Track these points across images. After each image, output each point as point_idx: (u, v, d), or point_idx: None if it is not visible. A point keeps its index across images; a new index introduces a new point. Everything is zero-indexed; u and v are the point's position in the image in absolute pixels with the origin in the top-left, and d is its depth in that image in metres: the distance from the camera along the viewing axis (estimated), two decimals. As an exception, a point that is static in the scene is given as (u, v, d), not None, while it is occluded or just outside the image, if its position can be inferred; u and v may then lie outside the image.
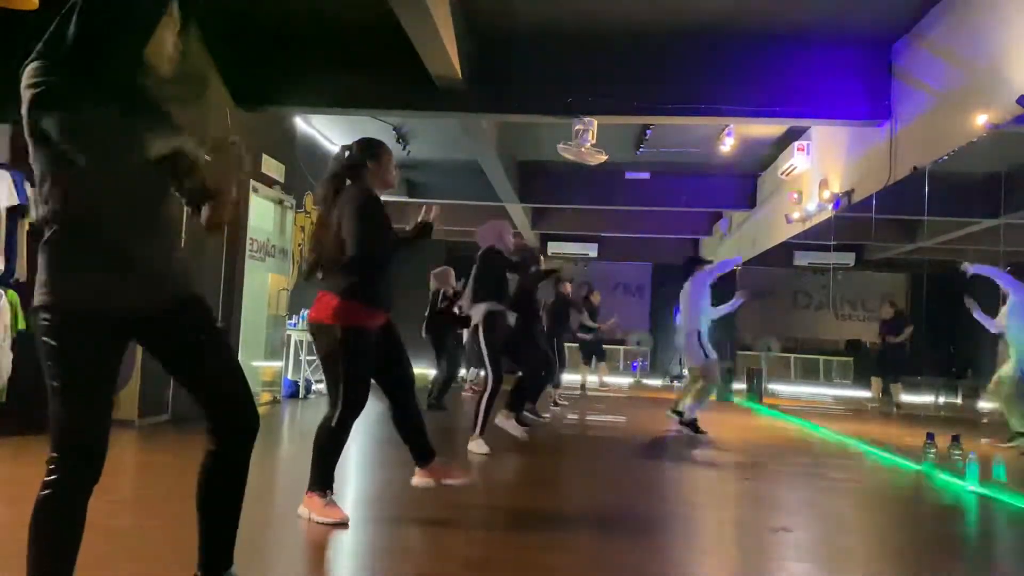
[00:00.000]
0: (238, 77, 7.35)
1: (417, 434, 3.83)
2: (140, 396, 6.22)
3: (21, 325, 5.60)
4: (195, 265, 6.96)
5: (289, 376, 9.41)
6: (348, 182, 3.65)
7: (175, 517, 3.53)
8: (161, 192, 2.05)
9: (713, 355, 7.73)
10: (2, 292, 5.48)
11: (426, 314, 9.35)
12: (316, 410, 8.42)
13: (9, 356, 5.48)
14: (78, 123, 1.82)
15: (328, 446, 3.52)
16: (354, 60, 7.48)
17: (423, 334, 9.19)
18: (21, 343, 5.63)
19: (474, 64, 7.29)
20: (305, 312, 9.62)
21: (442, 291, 9.23)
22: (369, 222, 3.47)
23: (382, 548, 3.39)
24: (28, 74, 1.88)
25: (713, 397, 12.63)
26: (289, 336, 9.42)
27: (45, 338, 1.90)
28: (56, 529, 1.91)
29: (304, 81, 7.41)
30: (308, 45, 7.44)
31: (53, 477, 1.91)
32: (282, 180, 9.03)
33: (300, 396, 9.30)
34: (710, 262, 8.70)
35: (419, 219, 3.70)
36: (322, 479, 3.50)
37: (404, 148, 10.91)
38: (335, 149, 11.38)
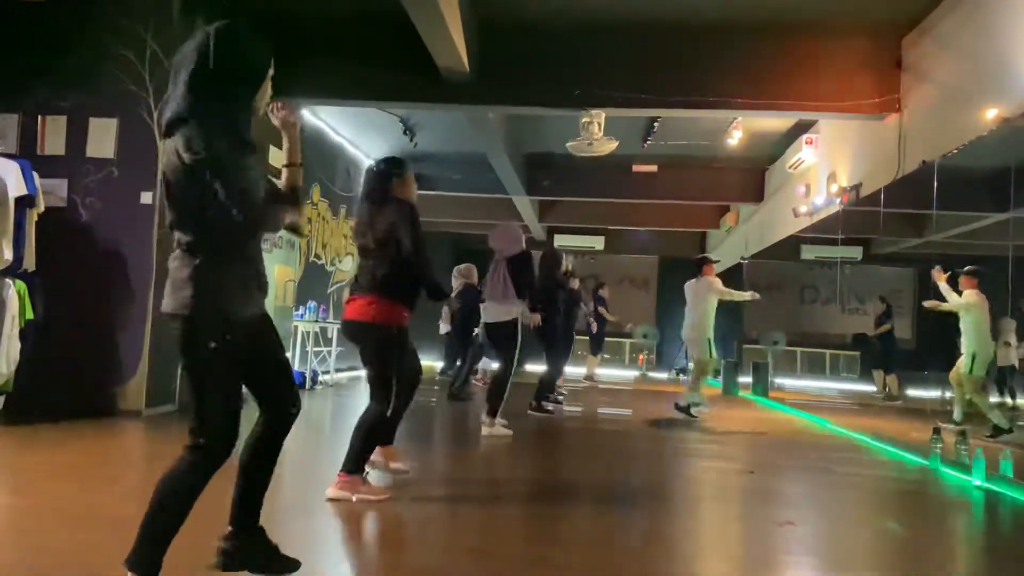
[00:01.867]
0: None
1: (394, 424, 4.20)
2: (147, 387, 6.25)
3: (29, 315, 5.62)
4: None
5: (296, 367, 9.44)
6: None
7: (182, 507, 3.56)
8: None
9: (715, 352, 8.37)
10: (10, 282, 5.50)
11: (451, 308, 9.60)
12: (323, 401, 8.46)
13: (17, 346, 5.51)
14: (241, 187, 2.22)
15: (376, 434, 3.89)
16: (361, 52, 7.48)
17: (448, 329, 9.45)
18: (29, 333, 5.66)
19: (481, 56, 7.28)
20: (312, 304, 9.65)
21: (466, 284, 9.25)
22: (420, 230, 3.87)
23: (381, 538, 3.40)
24: (193, 139, 2.19)
25: (719, 389, 12.73)
26: (296, 327, 9.44)
27: (199, 342, 2.25)
28: (185, 500, 2.26)
29: (311, 73, 7.40)
30: (315, 36, 7.44)
31: (194, 458, 2.28)
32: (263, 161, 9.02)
33: (307, 387, 9.33)
34: (717, 261, 8.98)
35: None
36: (361, 463, 3.83)
37: (411, 140, 10.91)
38: (341, 141, 11.47)
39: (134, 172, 6.36)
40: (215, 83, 2.26)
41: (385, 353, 3.85)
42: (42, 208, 5.92)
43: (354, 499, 3.71)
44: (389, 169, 4.04)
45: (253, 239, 2.40)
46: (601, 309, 13.49)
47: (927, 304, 8.33)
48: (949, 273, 8.05)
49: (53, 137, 6.43)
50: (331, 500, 3.71)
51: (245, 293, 2.36)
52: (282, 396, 2.54)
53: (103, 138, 6.39)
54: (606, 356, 14.08)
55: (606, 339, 14.70)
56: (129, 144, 6.38)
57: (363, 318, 3.85)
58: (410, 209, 3.89)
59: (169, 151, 2.23)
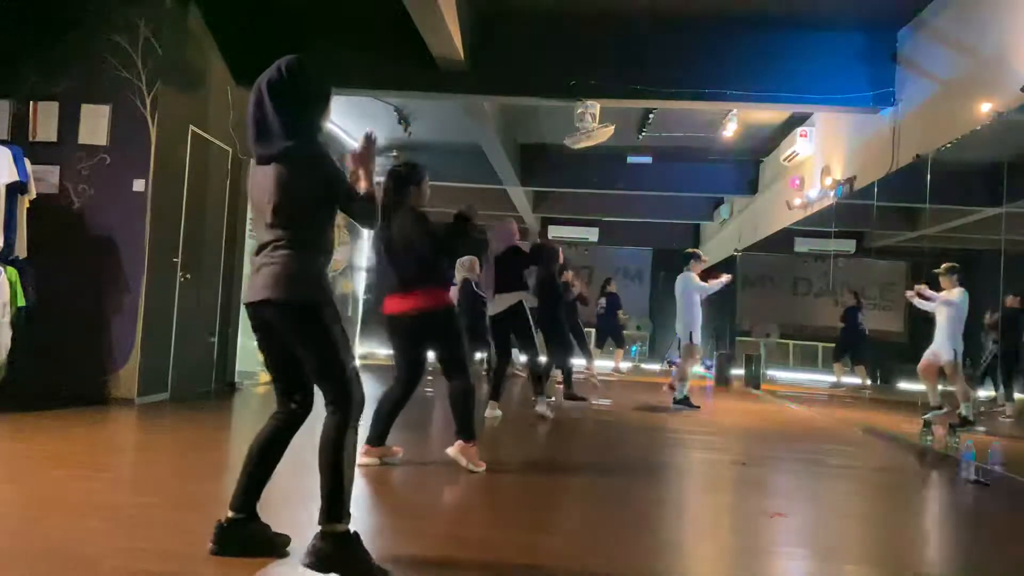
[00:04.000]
0: (239, 56, 7.32)
1: (393, 416, 4.40)
2: (140, 375, 6.23)
3: (20, 302, 5.59)
4: (199, 250, 6.96)
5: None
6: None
7: (174, 494, 3.56)
8: None
9: (698, 340, 8.72)
10: (1, 269, 5.47)
11: (458, 300, 9.67)
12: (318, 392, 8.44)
13: (8, 333, 5.49)
14: (349, 185, 2.74)
15: (471, 401, 4.32)
16: (356, 40, 7.45)
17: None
18: (21, 321, 5.64)
19: (477, 46, 7.26)
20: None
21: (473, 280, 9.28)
22: (433, 234, 4.28)
23: (375, 526, 3.41)
24: (321, 150, 2.69)
25: (710, 382, 12.77)
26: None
27: (326, 322, 2.61)
28: (352, 453, 2.62)
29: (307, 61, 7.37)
30: (310, 25, 7.40)
31: (343, 417, 2.61)
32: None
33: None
34: (705, 260, 9.14)
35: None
36: (473, 430, 4.32)
37: (405, 129, 10.88)
38: (335, 129, 11.41)
39: (127, 159, 6.32)
40: (302, 108, 2.69)
41: (447, 332, 4.25)
42: (34, 195, 5.88)
43: (467, 467, 4.25)
44: (409, 176, 4.34)
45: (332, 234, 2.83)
46: (621, 313, 13.66)
47: (909, 296, 8.42)
48: (925, 283, 8.26)
49: (45, 123, 6.38)
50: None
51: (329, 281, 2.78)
52: (308, 396, 2.80)
53: (95, 125, 6.34)
54: (598, 348, 14.12)
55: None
56: (122, 131, 6.34)
57: (413, 309, 4.19)
58: (419, 219, 4.23)
59: (279, 166, 2.62)
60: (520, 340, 6.85)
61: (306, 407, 2.78)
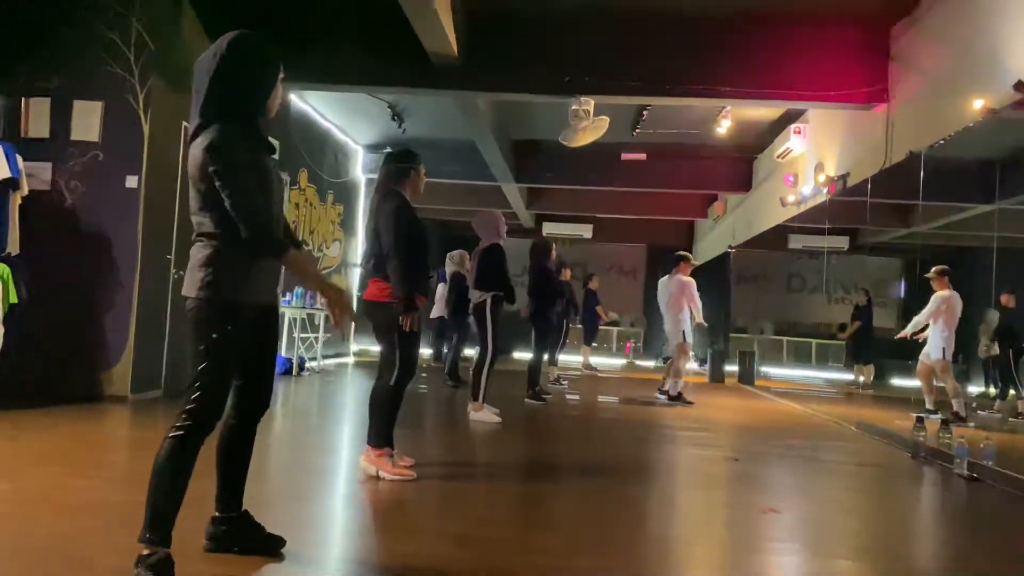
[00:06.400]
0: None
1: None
2: (133, 372, 6.22)
3: (13, 299, 5.57)
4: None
5: (283, 354, 9.42)
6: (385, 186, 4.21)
7: (167, 492, 3.55)
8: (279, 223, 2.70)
9: (690, 339, 8.94)
10: (-6, 266, 5.45)
11: (443, 293, 9.77)
12: (310, 387, 8.45)
13: (0, 330, 5.47)
14: (247, 187, 2.42)
15: (389, 405, 4.07)
16: (350, 37, 7.43)
17: (445, 314, 9.55)
18: (13, 318, 5.61)
19: (470, 42, 7.25)
20: (298, 290, 9.63)
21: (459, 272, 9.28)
22: (404, 229, 4.04)
23: (368, 524, 3.41)
24: (219, 137, 2.38)
25: (704, 379, 12.80)
26: (283, 314, 9.41)
27: (209, 324, 2.39)
28: (179, 474, 2.37)
29: (299, 58, 7.32)
30: (303, 21, 7.39)
31: (181, 432, 2.38)
32: (276, 157, 8.97)
33: (294, 373, 9.31)
34: (695, 263, 9.57)
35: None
36: (386, 437, 4.04)
37: (400, 126, 10.87)
38: (329, 127, 11.40)
39: (119, 156, 6.30)
40: (232, 90, 2.45)
41: (388, 330, 4.03)
42: (26, 191, 5.86)
43: (379, 476, 3.96)
44: (406, 161, 4.29)
45: (274, 228, 2.56)
46: (599, 309, 13.65)
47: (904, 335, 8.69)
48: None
49: (37, 120, 6.35)
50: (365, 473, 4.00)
51: (257, 281, 2.52)
52: (263, 391, 2.68)
53: (88, 121, 6.32)
54: (594, 344, 14.20)
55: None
56: (114, 127, 6.31)
57: (370, 297, 4.11)
58: (397, 209, 4.05)
59: (195, 147, 2.41)
60: (479, 337, 6.57)
61: (250, 401, 2.63)
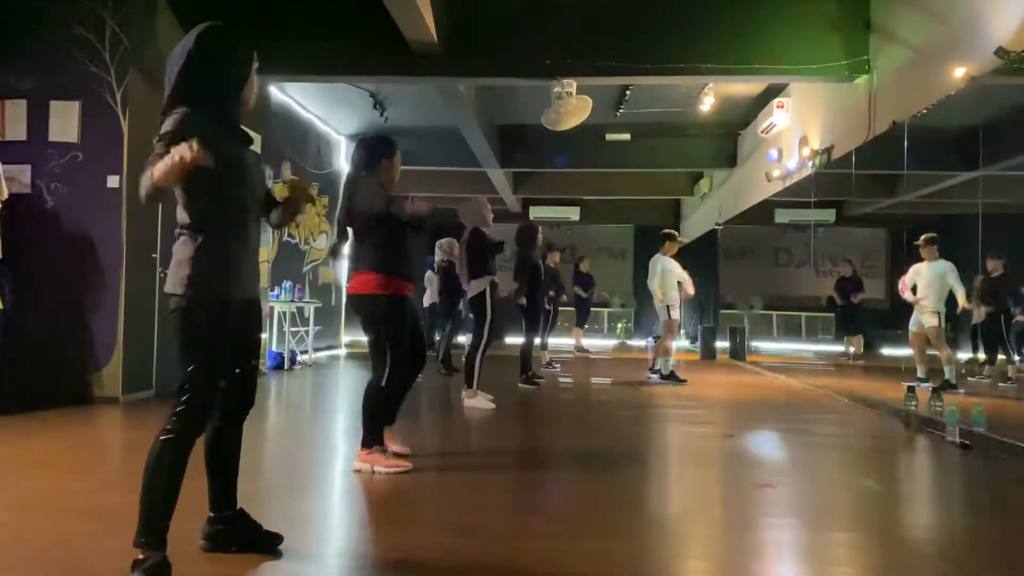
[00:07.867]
0: (209, 46, 7.21)
1: (399, 401, 4.21)
2: (124, 372, 6.18)
3: (-1, 305, 5.52)
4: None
5: (273, 348, 9.39)
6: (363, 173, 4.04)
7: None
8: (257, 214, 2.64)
9: (676, 316, 8.91)
10: (-23, 272, 5.39)
11: (433, 280, 9.78)
12: (302, 381, 8.43)
13: (-11, 336, 5.42)
14: (215, 179, 2.34)
15: (379, 404, 3.97)
16: (329, 27, 7.36)
17: (437, 300, 9.63)
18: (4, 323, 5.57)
19: (450, 28, 7.19)
20: (287, 284, 9.59)
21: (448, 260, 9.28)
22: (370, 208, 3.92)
23: (365, 516, 3.41)
24: (180, 120, 2.33)
25: (696, 356, 12.86)
26: (272, 308, 9.37)
27: (193, 321, 2.36)
28: (172, 474, 2.33)
29: (279, 49, 7.24)
30: (281, 12, 7.31)
31: (171, 432, 2.35)
32: (258, 150, 8.91)
33: (285, 367, 9.29)
34: (683, 241, 9.60)
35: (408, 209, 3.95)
36: (374, 437, 3.96)
37: (382, 115, 10.80)
38: (311, 118, 11.30)
39: (99, 156, 6.24)
40: (201, 79, 2.42)
41: (374, 323, 3.93)
42: (6, 195, 5.80)
43: (374, 472, 3.89)
44: (379, 148, 4.08)
45: (253, 223, 2.54)
46: (576, 289, 13.66)
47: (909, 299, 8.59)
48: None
49: (14, 122, 6.28)
50: (356, 472, 3.92)
51: (239, 277, 2.48)
52: (247, 390, 2.65)
53: (66, 122, 6.25)
54: (585, 327, 14.26)
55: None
56: (93, 127, 6.25)
57: (354, 291, 4.01)
58: (368, 190, 3.94)
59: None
60: (475, 324, 6.57)
61: (233, 400, 2.59)
